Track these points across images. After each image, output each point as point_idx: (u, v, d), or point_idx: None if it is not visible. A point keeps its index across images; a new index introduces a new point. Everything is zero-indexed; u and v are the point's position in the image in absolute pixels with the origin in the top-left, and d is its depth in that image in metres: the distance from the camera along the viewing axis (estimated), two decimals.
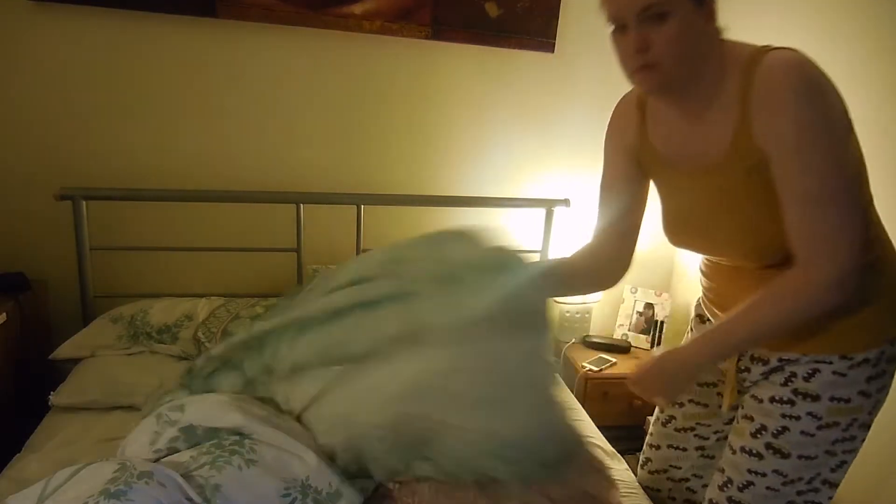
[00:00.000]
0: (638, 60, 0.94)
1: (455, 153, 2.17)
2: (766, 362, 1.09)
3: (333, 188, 2.08)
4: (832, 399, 1.02)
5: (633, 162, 1.17)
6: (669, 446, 1.33)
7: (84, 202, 1.79)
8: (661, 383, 1.10)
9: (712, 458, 1.29)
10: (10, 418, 1.66)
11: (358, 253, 2.03)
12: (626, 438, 1.91)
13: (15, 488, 1.14)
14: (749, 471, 1.09)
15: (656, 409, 1.36)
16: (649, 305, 2.33)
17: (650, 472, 1.38)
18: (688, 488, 1.34)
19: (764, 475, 1.08)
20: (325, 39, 1.97)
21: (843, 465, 1.07)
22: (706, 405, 1.26)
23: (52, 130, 1.87)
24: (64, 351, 1.66)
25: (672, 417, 1.31)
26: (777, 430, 1.06)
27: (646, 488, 1.38)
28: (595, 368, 2.13)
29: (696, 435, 1.29)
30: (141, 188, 1.91)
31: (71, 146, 1.89)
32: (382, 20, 1.95)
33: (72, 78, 1.85)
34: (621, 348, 2.29)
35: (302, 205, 1.95)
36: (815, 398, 1.03)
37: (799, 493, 1.07)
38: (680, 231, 1.14)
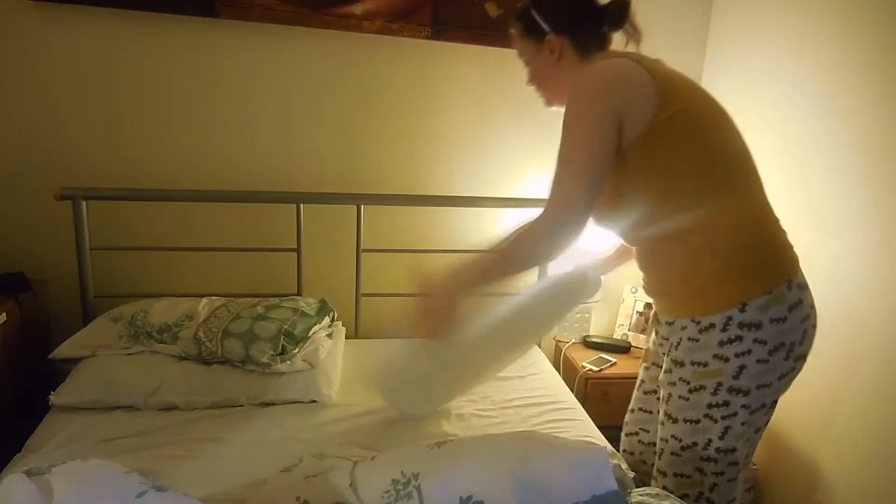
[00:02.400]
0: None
1: (455, 153, 2.17)
2: (661, 324, 1.28)
3: (333, 188, 2.08)
4: (693, 363, 1.15)
5: None
6: (641, 409, 1.45)
7: (84, 202, 1.79)
8: (430, 323, 1.16)
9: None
10: (10, 418, 1.66)
11: (358, 253, 2.03)
12: None
13: None
14: (661, 438, 1.24)
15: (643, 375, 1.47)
16: (649, 305, 2.33)
17: (626, 435, 1.50)
18: (654, 452, 1.41)
19: (667, 441, 1.22)
20: (325, 39, 1.97)
21: (728, 430, 1.14)
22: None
23: (52, 130, 1.87)
24: (64, 350, 1.66)
25: (642, 381, 1.44)
26: (667, 398, 1.22)
27: (623, 451, 1.50)
28: (595, 368, 2.13)
29: (658, 398, 1.37)
30: (141, 188, 1.92)
31: (71, 146, 1.90)
32: (382, 20, 1.95)
33: (72, 78, 1.85)
34: (621, 348, 2.29)
35: (302, 205, 1.95)
36: (682, 364, 1.17)
37: (702, 459, 1.17)
38: None
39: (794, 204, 1.83)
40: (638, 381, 1.46)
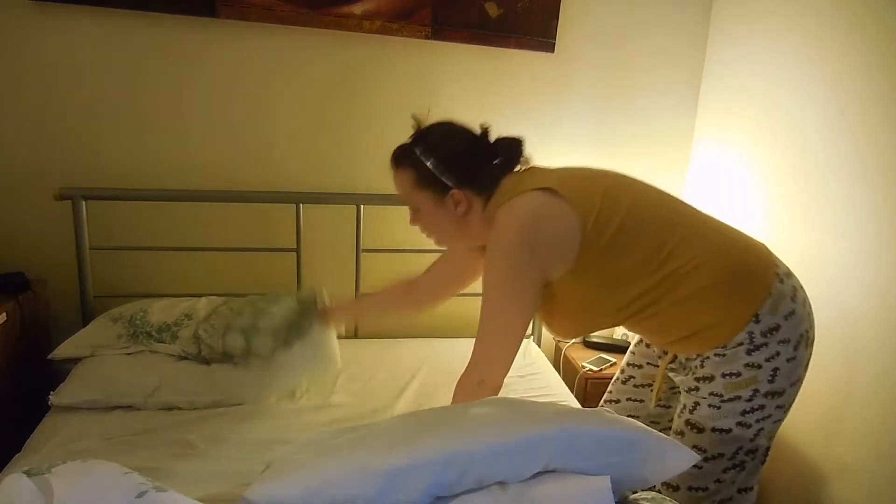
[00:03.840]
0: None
1: None
2: (678, 361, 1.26)
3: (333, 188, 2.08)
4: (724, 375, 1.13)
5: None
6: (629, 399, 1.46)
7: (84, 202, 1.79)
8: None
9: (668, 407, 1.40)
10: (10, 418, 1.66)
11: (358, 253, 2.03)
12: None
13: None
14: None
15: (617, 370, 1.50)
16: None
17: None
18: None
19: None
20: (325, 39, 1.97)
21: (760, 432, 1.15)
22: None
23: (52, 130, 1.87)
24: (64, 350, 1.66)
25: (631, 377, 1.45)
26: (691, 407, 1.19)
27: None
28: (595, 368, 2.13)
29: (652, 389, 1.40)
30: (141, 188, 1.92)
31: (71, 146, 1.89)
32: (382, 20, 1.95)
33: (72, 78, 1.85)
34: (621, 348, 2.28)
35: (302, 205, 1.95)
36: (711, 378, 1.15)
37: (725, 469, 1.16)
38: None
39: (793, 204, 1.83)
40: (622, 377, 1.47)
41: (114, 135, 1.92)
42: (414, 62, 2.06)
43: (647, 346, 1.41)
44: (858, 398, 1.62)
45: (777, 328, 1.11)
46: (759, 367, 1.11)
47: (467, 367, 1.17)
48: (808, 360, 1.17)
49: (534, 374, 1.87)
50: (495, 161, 1.21)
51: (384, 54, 2.03)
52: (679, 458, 0.96)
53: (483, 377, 1.15)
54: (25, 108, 1.84)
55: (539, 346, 2.16)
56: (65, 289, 1.95)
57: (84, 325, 1.79)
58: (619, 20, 2.15)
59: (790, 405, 1.17)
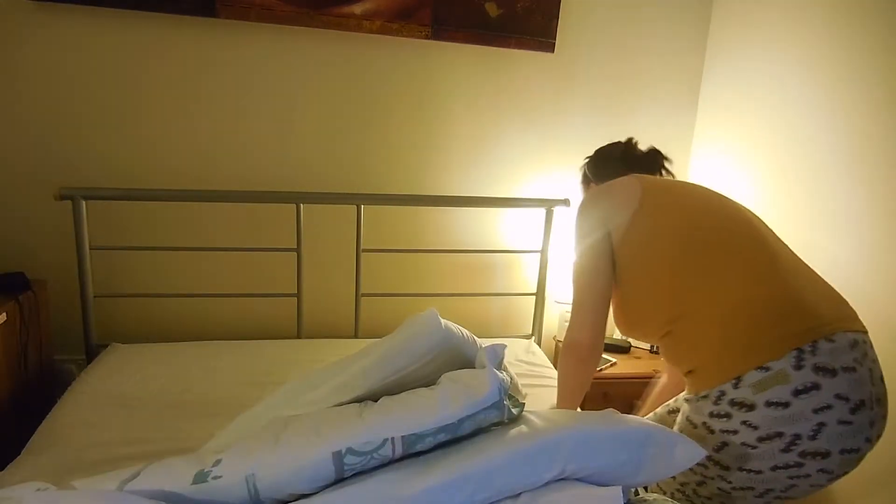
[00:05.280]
0: None
1: (455, 153, 2.17)
2: None
3: (333, 188, 2.08)
4: (687, 419, 1.14)
5: None
6: None
7: (84, 202, 1.79)
8: None
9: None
10: (10, 418, 1.66)
11: (358, 253, 2.03)
12: None
13: None
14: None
15: (672, 399, 1.45)
16: None
17: None
18: None
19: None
20: (325, 39, 1.97)
21: (703, 483, 1.12)
22: None
23: (52, 130, 1.87)
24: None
25: (677, 409, 1.38)
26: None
27: None
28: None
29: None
30: (141, 188, 1.92)
31: (71, 146, 1.90)
32: (382, 20, 1.95)
33: (72, 78, 1.85)
34: (621, 348, 2.29)
35: (302, 205, 1.95)
36: (677, 411, 1.21)
37: (676, 489, 1.19)
38: None
39: (793, 204, 1.83)
40: (672, 406, 1.42)
41: (114, 135, 1.92)
42: (414, 62, 2.06)
43: None
44: None
45: (750, 407, 0.99)
46: (712, 432, 1.06)
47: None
48: (794, 468, 0.99)
49: (534, 373, 1.87)
50: (630, 168, 1.40)
51: (384, 54, 2.03)
52: (687, 452, 0.97)
53: (571, 338, 1.26)
54: (25, 108, 1.84)
55: (539, 345, 2.16)
56: (65, 289, 1.95)
57: (84, 326, 1.78)
58: (619, 21, 2.15)
59: (744, 489, 1.06)
